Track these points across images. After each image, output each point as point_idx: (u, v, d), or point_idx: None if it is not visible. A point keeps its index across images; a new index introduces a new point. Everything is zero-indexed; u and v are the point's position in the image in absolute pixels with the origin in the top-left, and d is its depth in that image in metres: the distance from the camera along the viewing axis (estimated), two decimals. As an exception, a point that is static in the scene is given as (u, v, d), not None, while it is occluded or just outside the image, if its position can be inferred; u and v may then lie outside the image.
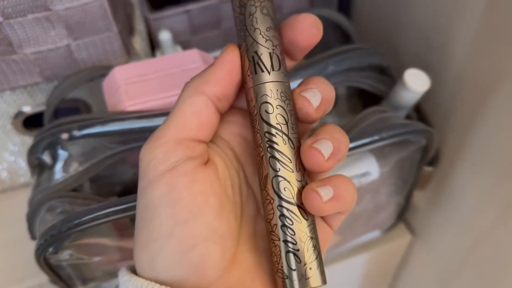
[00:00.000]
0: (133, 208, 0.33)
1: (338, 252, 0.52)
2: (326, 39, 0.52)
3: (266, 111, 0.22)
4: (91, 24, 0.41)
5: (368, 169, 0.40)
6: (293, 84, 0.25)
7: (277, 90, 0.22)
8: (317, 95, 0.22)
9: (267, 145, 0.22)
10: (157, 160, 0.21)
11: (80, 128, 0.37)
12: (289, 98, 0.22)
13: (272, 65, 0.22)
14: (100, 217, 0.32)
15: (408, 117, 0.44)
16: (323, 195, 0.20)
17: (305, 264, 0.21)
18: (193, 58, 0.40)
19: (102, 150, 0.38)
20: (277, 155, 0.21)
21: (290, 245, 0.21)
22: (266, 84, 0.22)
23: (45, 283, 0.48)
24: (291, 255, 0.21)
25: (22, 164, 0.53)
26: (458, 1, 0.38)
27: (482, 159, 0.41)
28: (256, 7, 0.22)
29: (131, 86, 0.38)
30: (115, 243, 0.38)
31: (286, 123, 0.22)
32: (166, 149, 0.21)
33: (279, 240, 0.21)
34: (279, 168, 0.21)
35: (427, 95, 0.42)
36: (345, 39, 0.48)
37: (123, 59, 0.46)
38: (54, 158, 0.38)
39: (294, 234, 0.21)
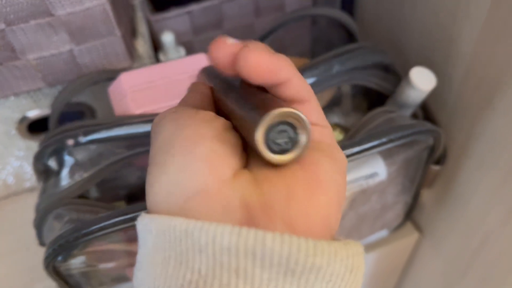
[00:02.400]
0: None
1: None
2: (330, 38, 0.52)
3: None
4: (94, 28, 0.41)
5: (376, 169, 0.39)
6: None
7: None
8: None
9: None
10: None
11: (86, 133, 0.36)
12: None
13: None
14: (107, 227, 0.32)
15: (414, 115, 0.43)
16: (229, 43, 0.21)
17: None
18: (200, 63, 0.40)
19: (107, 156, 0.38)
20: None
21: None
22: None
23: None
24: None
25: (28, 168, 0.53)
26: (464, -1, 0.38)
27: (489, 157, 0.41)
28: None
29: (138, 94, 0.38)
30: (123, 248, 0.38)
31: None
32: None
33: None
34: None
35: (433, 93, 0.42)
36: (348, 38, 0.48)
37: (126, 63, 0.45)
38: (60, 164, 0.38)
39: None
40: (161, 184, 0.19)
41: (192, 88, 0.27)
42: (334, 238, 0.20)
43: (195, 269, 0.18)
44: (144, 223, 0.20)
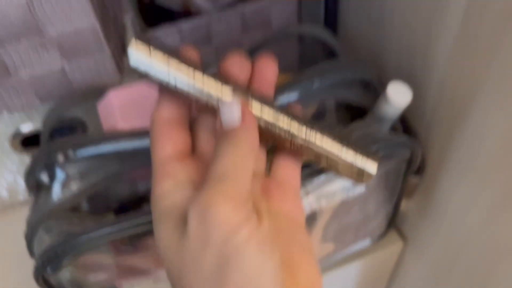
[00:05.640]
0: (127, 228, 0.34)
1: (332, 261, 0.53)
2: (315, 54, 0.54)
3: None
4: (84, 47, 0.43)
5: (355, 181, 0.41)
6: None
7: None
8: None
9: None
10: None
11: (75, 149, 0.38)
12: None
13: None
14: (95, 238, 0.33)
15: (394, 128, 0.45)
16: None
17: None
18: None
19: (98, 171, 0.39)
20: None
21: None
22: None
23: (45, 298, 0.49)
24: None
25: (21, 182, 0.54)
26: (436, 16, 0.40)
27: (466, 164, 0.42)
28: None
29: (126, 110, 0.39)
30: (113, 260, 0.39)
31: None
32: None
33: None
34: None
35: (411, 106, 0.43)
36: (332, 54, 0.49)
37: (116, 78, 0.47)
38: (52, 178, 0.40)
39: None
40: None
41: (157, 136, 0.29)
42: None
43: None
44: None
